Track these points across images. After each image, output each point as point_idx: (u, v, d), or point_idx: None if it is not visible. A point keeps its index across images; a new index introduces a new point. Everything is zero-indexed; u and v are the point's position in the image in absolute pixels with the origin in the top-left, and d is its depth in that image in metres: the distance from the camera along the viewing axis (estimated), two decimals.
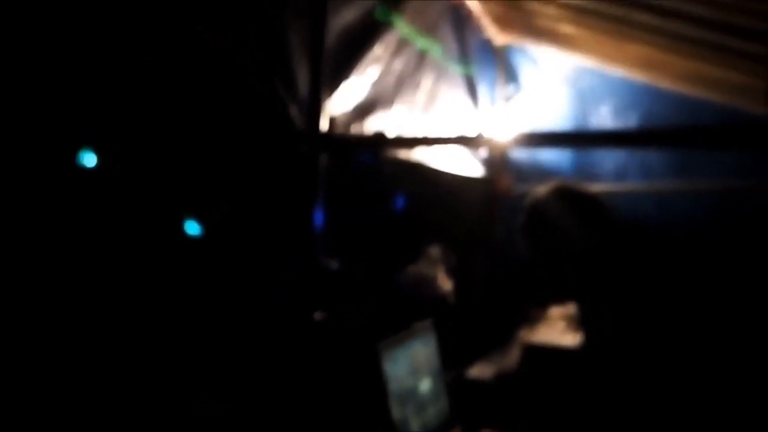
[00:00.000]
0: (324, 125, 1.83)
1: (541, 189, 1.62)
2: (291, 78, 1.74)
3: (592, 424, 1.47)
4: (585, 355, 1.52)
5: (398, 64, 2.54)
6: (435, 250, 2.59)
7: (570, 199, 1.55)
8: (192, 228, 1.71)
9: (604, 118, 3.39)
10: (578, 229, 1.48)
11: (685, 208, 3.14)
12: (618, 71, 3.25)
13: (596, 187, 3.41)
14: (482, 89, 3.43)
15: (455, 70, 3.13)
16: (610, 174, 3.45)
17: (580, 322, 1.62)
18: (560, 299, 2.35)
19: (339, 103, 2.10)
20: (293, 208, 1.82)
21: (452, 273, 2.65)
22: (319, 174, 1.80)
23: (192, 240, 1.70)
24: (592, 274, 1.49)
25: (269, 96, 1.71)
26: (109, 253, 1.48)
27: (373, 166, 2.06)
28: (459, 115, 3.15)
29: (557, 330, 2.39)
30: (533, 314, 3.00)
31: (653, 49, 2.73)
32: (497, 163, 3.50)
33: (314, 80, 1.78)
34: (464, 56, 3.22)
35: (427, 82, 2.81)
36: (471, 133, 3.18)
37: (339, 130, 2.07)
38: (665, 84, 3.14)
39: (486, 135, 3.12)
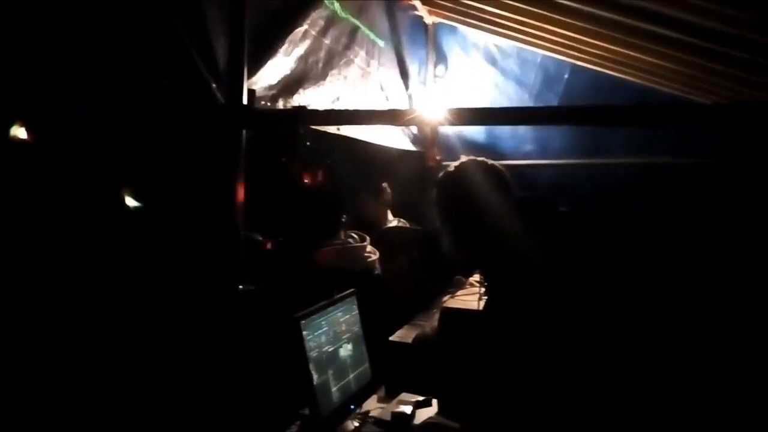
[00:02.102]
0: (246, 100, 1.86)
1: (452, 163, 1.72)
2: (210, 53, 1.76)
3: (501, 386, 1.57)
4: (490, 319, 1.64)
5: (328, 41, 2.58)
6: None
7: (477, 171, 1.65)
8: (130, 201, 1.73)
9: (528, 95, 3.54)
10: (483, 200, 1.58)
11: (600, 181, 3.37)
12: (541, 51, 3.40)
13: (521, 162, 3.60)
14: (412, 66, 3.50)
15: (386, 48, 3.19)
16: (535, 150, 3.64)
17: (486, 289, 1.74)
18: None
19: (264, 78, 2.13)
20: (217, 182, 1.85)
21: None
22: (241, 148, 1.83)
23: (124, 213, 1.72)
24: (495, 244, 1.60)
25: (189, 72, 1.73)
26: (42, 226, 1.50)
27: (296, 139, 2.11)
28: (390, 91, 3.22)
29: (476, 294, 2.52)
30: (458, 281, 3.16)
31: (572, 31, 2.87)
32: (427, 138, 3.60)
33: (235, 55, 1.81)
34: (395, 34, 3.28)
35: (358, 58, 2.86)
36: (401, 109, 3.26)
37: (265, 104, 2.10)
38: (584, 64, 3.31)
39: (415, 111, 3.20)
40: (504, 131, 3.66)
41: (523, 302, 1.59)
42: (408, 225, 3.10)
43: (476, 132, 3.69)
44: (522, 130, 3.64)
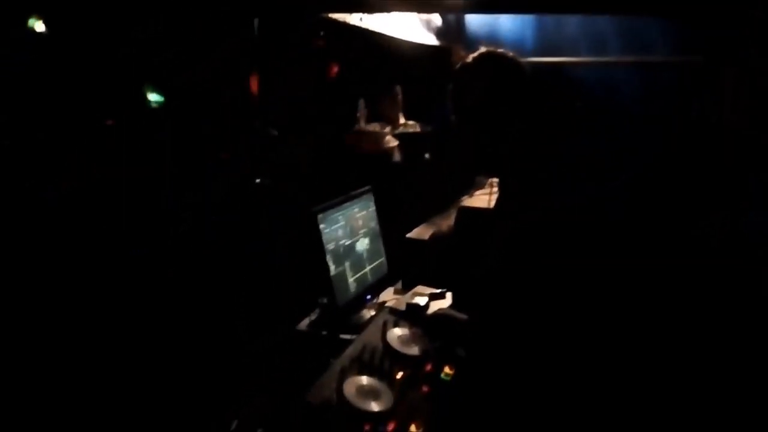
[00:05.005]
0: None
1: (470, 55, 1.64)
2: None
3: (508, 281, 1.58)
4: (497, 216, 1.64)
5: None
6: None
7: (494, 64, 1.57)
8: (154, 96, 1.72)
9: None
10: (494, 93, 1.51)
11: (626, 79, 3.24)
12: None
13: (552, 59, 3.45)
14: None
15: None
16: (566, 47, 3.48)
17: (498, 186, 1.72)
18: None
19: None
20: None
21: None
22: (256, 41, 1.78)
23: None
24: (504, 142, 1.54)
25: None
26: None
27: (308, 30, 2.04)
28: None
29: (492, 193, 2.52)
30: (479, 181, 3.15)
31: None
32: (452, 32, 3.45)
33: None
34: None
35: None
36: None
37: None
38: None
39: None
40: (536, 26, 3.48)
41: (531, 200, 1.55)
42: (418, 127, 3.07)
43: (507, 27, 3.51)
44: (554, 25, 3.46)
